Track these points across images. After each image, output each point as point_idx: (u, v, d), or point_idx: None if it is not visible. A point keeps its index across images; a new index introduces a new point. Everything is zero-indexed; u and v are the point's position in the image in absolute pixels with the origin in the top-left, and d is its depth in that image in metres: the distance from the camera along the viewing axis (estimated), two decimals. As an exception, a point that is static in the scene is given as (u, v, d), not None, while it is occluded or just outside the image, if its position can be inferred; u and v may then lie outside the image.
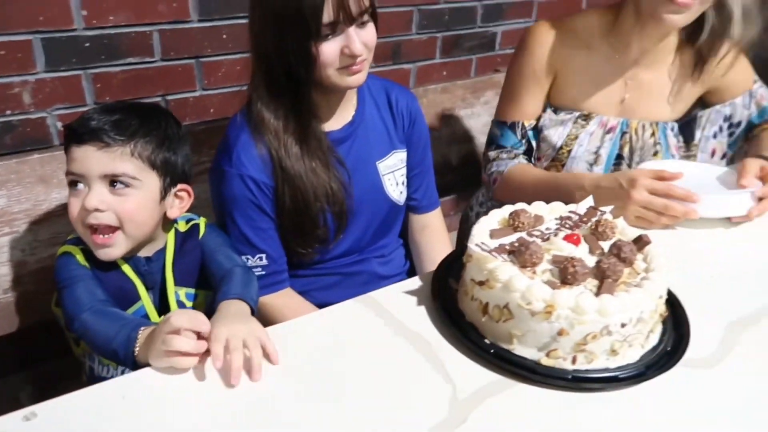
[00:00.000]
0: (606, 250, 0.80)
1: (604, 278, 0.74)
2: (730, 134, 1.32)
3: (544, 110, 1.30)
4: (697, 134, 1.31)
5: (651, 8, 1.10)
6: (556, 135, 1.28)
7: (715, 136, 1.32)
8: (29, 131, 1.40)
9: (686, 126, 1.31)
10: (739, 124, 1.31)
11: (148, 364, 0.75)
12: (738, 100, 1.29)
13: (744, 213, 1.08)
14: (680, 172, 1.06)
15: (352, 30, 0.99)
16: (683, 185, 1.06)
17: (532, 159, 1.33)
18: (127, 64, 1.46)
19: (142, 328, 0.81)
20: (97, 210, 0.90)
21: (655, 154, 1.28)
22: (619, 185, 1.05)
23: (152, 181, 0.95)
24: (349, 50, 0.99)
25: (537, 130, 1.31)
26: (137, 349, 0.79)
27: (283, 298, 1.15)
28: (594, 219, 0.85)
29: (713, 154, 1.33)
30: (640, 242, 0.81)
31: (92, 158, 0.90)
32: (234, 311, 0.85)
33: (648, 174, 1.05)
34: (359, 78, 1.04)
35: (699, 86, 1.28)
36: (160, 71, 1.52)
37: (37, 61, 1.35)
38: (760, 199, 1.08)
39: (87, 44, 1.39)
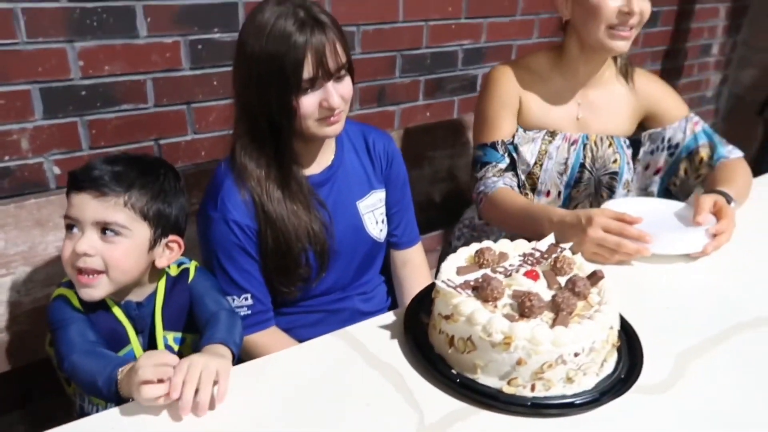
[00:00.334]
0: (563, 284, 0.86)
1: (558, 311, 0.80)
2: (671, 154, 1.47)
3: (516, 130, 1.45)
4: (641, 151, 1.50)
5: (598, 40, 1.31)
6: (528, 152, 1.43)
7: (652, 153, 1.49)
8: (27, 176, 1.46)
9: (633, 143, 1.49)
10: (677, 145, 1.46)
11: (131, 398, 0.79)
12: (675, 125, 1.45)
13: (700, 249, 1.15)
14: (640, 217, 1.13)
15: (330, 85, 1.06)
16: (644, 222, 1.13)
17: (517, 171, 1.44)
18: (122, 111, 1.53)
19: (121, 368, 0.83)
20: (86, 254, 0.94)
21: (615, 161, 1.44)
22: (578, 222, 1.13)
23: (142, 231, 0.99)
24: (327, 103, 1.06)
25: (514, 146, 1.44)
26: (119, 385, 0.83)
27: (269, 336, 1.20)
28: (554, 255, 0.91)
29: (648, 167, 1.51)
30: (594, 277, 0.87)
31: (88, 205, 0.95)
32: (213, 353, 0.88)
33: (606, 214, 1.13)
34: (337, 128, 1.12)
35: (640, 109, 1.47)
36: (154, 117, 1.58)
37: (36, 109, 1.42)
38: (715, 234, 1.15)
39: (83, 92, 1.46)
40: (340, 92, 1.08)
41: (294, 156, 1.14)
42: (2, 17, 1.31)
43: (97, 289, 0.97)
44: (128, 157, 1.04)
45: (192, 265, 1.12)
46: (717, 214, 1.19)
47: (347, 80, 1.11)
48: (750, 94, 3.30)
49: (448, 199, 1.84)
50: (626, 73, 1.46)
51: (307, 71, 1.03)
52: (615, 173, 1.44)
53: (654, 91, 1.47)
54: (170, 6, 1.51)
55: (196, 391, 0.76)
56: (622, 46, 1.32)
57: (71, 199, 0.97)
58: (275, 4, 1.05)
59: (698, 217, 1.17)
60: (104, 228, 0.96)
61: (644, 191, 1.54)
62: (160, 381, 0.77)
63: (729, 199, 1.25)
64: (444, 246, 1.74)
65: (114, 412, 0.77)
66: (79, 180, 0.96)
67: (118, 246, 0.96)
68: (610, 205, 1.26)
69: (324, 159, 1.22)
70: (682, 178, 1.47)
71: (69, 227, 0.97)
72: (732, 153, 1.44)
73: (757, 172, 1.53)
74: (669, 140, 1.46)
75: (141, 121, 1.57)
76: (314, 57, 1.02)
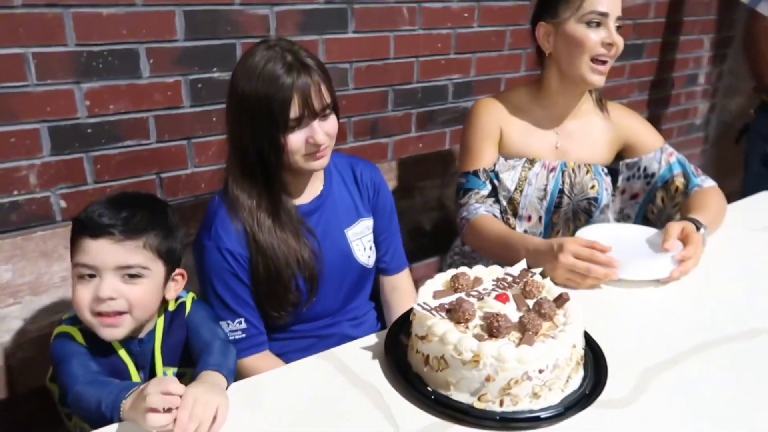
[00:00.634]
0: (530, 307, 0.92)
1: (525, 331, 0.86)
2: (647, 183, 1.55)
3: (497, 159, 1.52)
4: (619, 178, 1.59)
5: (580, 72, 1.40)
6: (509, 179, 1.51)
7: (629, 179, 1.58)
8: (34, 209, 1.53)
9: (612, 171, 1.57)
10: (653, 175, 1.53)
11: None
12: (651, 155, 1.53)
13: (667, 275, 1.21)
14: (609, 246, 1.19)
15: (316, 123, 1.15)
16: (616, 248, 1.20)
17: (499, 198, 1.52)
18: (125, 147, 1.61)
19: (127, 394, 0.87)
20: (110, 299, 0.98)
21: (593, 187, 1.51)
22: (551, 249, 1.19)
23: (159, 269, 1.05)
24: (313, 140, 1.14)
25: (495, 173, 1.51)
26: (122, 411, 0.86)
27: (263, 360, 1.25)
28: (525, 280, 0.97)
29: (624, 192, 1.60)
30: (560, 300, 0.93)
31: (107, 251, 0.97)
32: (210, 381, 0.91)
33: (577, 242, 1.20)
34: (323, 162, 1.19)
35: (617, 140, 1.55)
36: (155, 152, 1.66)
37: (44, 146, 1.50)
38: (682, 260, 1.22)
39: (89, 130, 1.55)
40: (325, 129, 1.16)
41: (283, 187, 1.22)
42: (14, 61, 1.40)
43: (121, 329, 1.01)
44: (131, 198, 1.08)
45: (189, 298, 1.17)
46: (684, 240, 1.25)
47: (332, 118, 1.19)
48: (738, 121, 3.38)
49: (439, 227, 1.91)
50: (601, 106, 1.54)
51: (294, 111, 1.11)
52: (593, 199, 1.52)
53: (630, 123, 1.56)
54: (172, 48, 1.60)
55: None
56: (600, 80, 1.40)
57: (84, 246, 0.98)
58: (265, 49, 1.14)
59: (665, 244, 1.24)
60: (126, 271, 1.00)
61: (621, 214, 1.62)
62: (167, 410, 0.80)
63: (699, 226, 1.31)
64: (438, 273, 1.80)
65: (110, 428, 0.83)
66: (90, 227, 0.98)
67: (140, 286, 1.01)
68: (585, 232, 1.33)
69: (313, 189, 1.30)
70: (660, 207, 1.54)
71: (82, 276, 0.99)
72: (705, 182, 1.52)
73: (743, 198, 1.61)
74: (645, 169, 1.54)
75: (144, 156, 1.65)
76: (300, 98, 1.11)
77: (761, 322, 1.10)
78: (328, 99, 1.14)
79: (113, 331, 1.01)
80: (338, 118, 1.20)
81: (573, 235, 1.38)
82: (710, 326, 1.08)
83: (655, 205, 1.55)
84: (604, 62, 1.38)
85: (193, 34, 1.62)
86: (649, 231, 1.37)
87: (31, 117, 1.46)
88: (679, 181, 1.50)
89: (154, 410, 0.79)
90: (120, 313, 1.00)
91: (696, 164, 3.60)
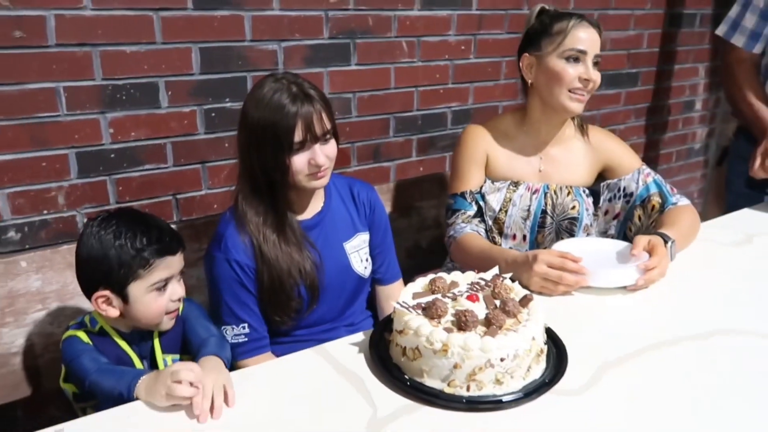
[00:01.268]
0: (497, 305, 1.04)
1: (490, 325, 0.97)
2: (627, 201, 1.65)
3: (484, 182, 1.64)
4: (601, 199, 1.67)
5: (559, 102, 1.52)
6: (494, 200, 1.62)
7: (610, 200, 1.67)
8: (61, 227, 1.68)
9: (594, 192, 1.68)
10: (631, 194, 1.64)
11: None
12: (629, 176, 1.64)
13: (633, 283, 1.32)
14: (580, 257, 1.31)
15: (317, 146, 1.29)
16: (588, 258, 1.31)
17: (484, 218, 1.63)
18: (145, 170, 1.76)
19: (141, 378, 1.01)
20: (180, 299, 1.21)
21: (573, 208, 1.62)
22: (526, 260, 1.31)
23: None
24: (314, 161, 1.28)
25: (481, 195, 1.63)
26: (136, 391, 1.00)
27: (264, 360, 1.38)
28: (496, 283, 1.09)
29: (606, 212, 1.69)
30: (524, 299, 1.05)
31: (176, 263, 1.19)
32: (211, 365, 1.06)
33: (551, 253, 1.32)
34: (323, 182, 1.33)
35: (598, 163, 1.66)
36: (172, 175, 1.81)
37: (72, 170, 1.65)
38: (647, 270, 1.32)
39: (112, 155, 1.70)
40: (325, 152, 1.30)
41: (288, 204, 1.35)
42: (47, 94, 1.57)
43: (176, 314, 1.24)
44: (146, 217, 1.23)
45: None
46: (650, 251, 1.36)
47: (332, 143, 1.33)
48: (728, 144, 3.48)
49: (435, 245, 2.02)
50: (582, 131, 1.66)
51: (298, 135, 1.25)
52: (574, 218, 1.62)
53: (609, 146, 1.67)
54: (188, 81, 1.76)
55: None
56: (579, 107, 1.52)
57: (166, 263, 1.17)
58: (273, 81, 1.29)
59: (633, 250, 1.35)
60: (181, 272, 1.22)
61: (604, 234, 1.71)
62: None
63: (666, 240, 1.41)
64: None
65: (132, 405, 0.96)
66: (168, 250, 1.17)
67: (182, 281, 1.24)
68: (560, 245, 1.44)
69: (314, 206, 1.43)
70: (638, 225, 1.64)
71: (161, 288, 1.18)
72: (680, 200, 1.62)
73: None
74: (624, 189, 1.65)
75: (161, 179, 1.80)
76: (303, 124, 1.25)
77: (716, 325, 1.20)
78: (328, 125, 1.29)
79: (173, 319, 1.23)
80: (338, 143, 1.34)
81: None
82: (666, 328, 1.19)
83: (633, 223, 1.65)
84: (582, 94, 1.51)
85: (208, 68, 1.78)
86: (620, 244, 1.48)
87: (61, 143, 1.62)
88: (656, 200, 1.61)
89: (181, 382, 0.94)
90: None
91: (697, 188, 3.70)
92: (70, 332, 1.20)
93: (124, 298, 1.15)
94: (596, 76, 1.50)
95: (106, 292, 1.16)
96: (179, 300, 1.20)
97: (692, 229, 1.56)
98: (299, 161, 1.28)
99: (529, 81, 1.58)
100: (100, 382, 1.07)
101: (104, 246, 1.14)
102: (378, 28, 2.09)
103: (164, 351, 1.25)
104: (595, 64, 1.51)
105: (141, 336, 1.23)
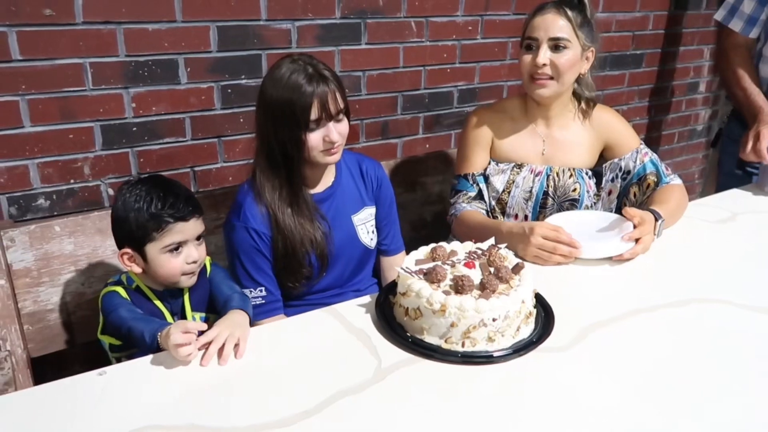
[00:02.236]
0: (492, 272, 1.14)
1: (484, 289, 1.08)
2: (623, 179, 1.73)
3: (489, 163, 1.72)
4: (603, 180, 1.74)
5: (527, 89, 1.61)
6: (498, 181, 1.70)
7: (612, 180, 1.74)
8: (87, 195, 1.79)
9: (597, 173, 1.75)
10: (629, 172, 1.71)
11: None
12: (628, 155, 1.71)
13: (619, 254, 1.41)
14: (570, 235, 1.41)
15: (332, 124, 1.38)
16: (576, 230, 1.42)
17: (485, 199, 1.71)
18: (164, 143, 1.87)
19: (160, 332, 1.12)
20: (196, 261, 1.29)
21: (575, 190, 1.69)
22: (523, 231, 1.41)
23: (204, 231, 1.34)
24: (328, 138, 1.38)
25: (485, 177, 1.71)
26: (159, 341, 1.11)
27: (278, 322, 1.49)
28: (491, 252, 1.19)
29: (609, 193, 1.76)
30: (517, 267, 1.15)
31: (192, 227, 1.27)
32: (234, 318, 1.19)
33: (546, 225, 1.42)
34: (336, 157, 1.43)
35: (599, 142, 1.72)
36: (190, 148, 1.92)
37: (96, 142, 1.76)
38: (633, 241, 1.41)
39: (134, 128, 1.80)
40: (338, 130, 1.39)
41: (302, 178, 1.45)
42: (75, 70, 1.67)
43: (196, 275, 1.32)
44: (169, 183, 1.32)
45: (207, 261, 1.42)
46: (637, 226, 1.44)
47: (344, 121, 1.42)
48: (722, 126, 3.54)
49: (439, 219, 2.12)
50: (584, 114, 1.72)
51: (314, 113, 1.34)
52: (575, 200, 1.70)
53: (610, 126, 1.72)
54: (206, 58, 1.85)
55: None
56: (542, 92, 1.58)
57: (176, 229, 1.25)
58: (290, 62, 1.37)
59: (625, 210, 1.45)
60: (199, 237, 1.30)
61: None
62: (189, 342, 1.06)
63: (657, 216, 1.50)
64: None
65: (160, 355, 1.08)
66: (180, 215, 1.25)
67: (203, 245, 1.33)
68: (553, 218, 1.53)
69: (326, 180, 1.53)
70: (632, 201, 1.73)
71: (174, 249, 1.26)
72: (673, 180, 1.70)
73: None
74: (622, 168, 1.73)
75: (180, 152, 1.90)
76: (319, 103, 1.34)
77: (694, 294, 1.30)
78: (341, 105, 1.38)
79: (193, 279, 1.32)
80: (349, 121, 1.43)
81: None
82: (647, 296, 1.29)
83: (628, 199, 1.73)
84: (541, 78, 1.56)
85: (225, 46, 1.87)
86: (606, 216, 1.57)
87: (87, 117, 1.72)
88: (651, 179, 1.69)
89: (180, 345, 1.04)
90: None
91: (698, 168, 3.76)
92: (110, 288, 1.31)
93: (144, 257, 1.27)
94: (545, 59, 1.53)
95: (129, 250, 1.28)
96: (194, 262, 1.29)
97: (680, 207, 1.65)
98: (314, 138, 1.37)
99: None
100: (134, 327, 1.19)
101: (126, 208, 1.26)
102: (388, 8, 2.16)
103: (193, 309, 1.36)
104: (557, 48, 1.54)
105: (171, 294, 1.34)
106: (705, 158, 3.78)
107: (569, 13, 1.54)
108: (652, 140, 3.37)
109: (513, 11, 2.49)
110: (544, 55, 1.54)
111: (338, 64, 2.12)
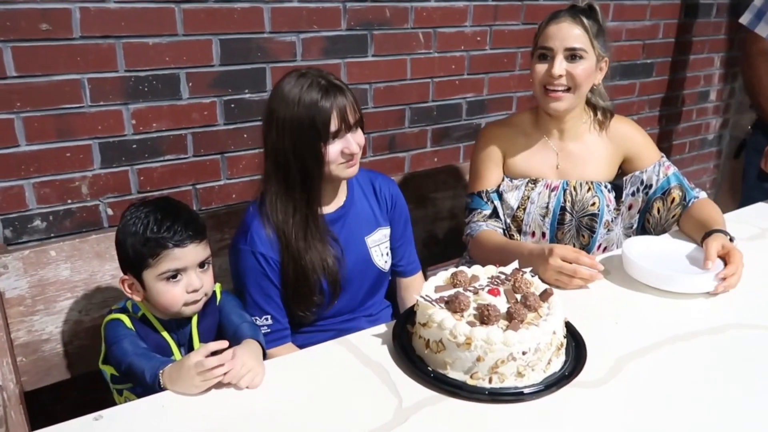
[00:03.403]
0: (518, 299, 1.06)
1: (512, 319, 1.00)
2: (645, 193, 1.65)
3: (502, 180, 1.65)
4: (623, 194, 1.67)
5: (539, 101, 1.55)
6: (512, 198, 1.63)
7: (633, 194, 1.67)
8: (85, 216, 1.72)
9: (616, 187, 1.67)
10: (651, 186, 1.64)
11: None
12: (650, 168, 1.64)
13: (711, 289, 1.32)
14: (594, 258, 1.34)
15: (350, 135, 1.31)
16: (660, 261, 1.36)
17: (500, 216, 1.64)
18: (166, 160, 1.79)
19: (164, 368, 1.05)
20: (198, 289, 1.19)
21: (593, 204, 1.62)
22: (542, 253, 1.33)
23: (209, 255, 1.25)
24: (348, 149, 1.31)
25: (499, 194, 1.64)
26: (162, 381, 1.04)
27: (286, 350, 1.40)
28: (516, 277, 1.12)
29: (630, 207, 1.69)
30: (545, 294, 1.07)
31: (192, 253, 1.18)
32: (252, 349, 1.11)
33: (566, 247, 1.34)
34: (355, 170, 1.36)
35: (617, 154, 1.65)
36: (192, 165, 1.85)
37: (95, 160, 1.69)
38: (725, 278, 1.31)
39: (134, 146, 1.73)
40: (356, 140, 1.33)
41: (319, 198, 1.37)
42: (73, 86, 1.60)
43: (200, 304, 1.23)
44: (171, 206, 1.23)
45: (218, 288, 1.34)
46: (726, 257, 1.35)
47: (360, 131, 1.35)
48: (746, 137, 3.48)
49: (450, 236, 2.04)
50: (601, 125, 1.65)
51: (334, 125, 1.28)
52: (594, 215, 1.62)
53: (630, 138, 1.65)
54: (208, 72, 1.79)
55: None
56: (556, 106, 1.51)
57: (172, 255, 1.16)
58: (298, 77, 1.30)
59: (707, 263, 1.34)
60: (203, 263, 1.21)
61: (630, 229, 1.72)
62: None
63: (732, 238, 1.42)
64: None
65: (163, 395, 1.00)
66: (177, 240, 1.16)
67: (210, 272, 1.24)
68: (632, 243, 1.46)
69: (338, 200, 1.45)
70: (656, 217, 1.65)
71: (172, 277, 1.17)
72: (700, 194, 1.63)
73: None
74: (645, 182, 1.65)
75: (182, 169, 1.83)
76: (338, 114, 1.28)
77: (732, 319, 1.22)
78: (357, 115, 1.33)
79: (195, 308, 1.23)
80: (364, 132, 1.37)
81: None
82: (682, 322, 1.21)
83: (651, 215, 1.65)
84: (556, 90, 1.49)
85: (228, 60, 1.81)
86: (691, 247, 1.49)
87: (84, 134, 1.65)
88: (676, 193, 1.62)
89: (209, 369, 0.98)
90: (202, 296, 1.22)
91: (710, 178, 3.70)
92: (114, 315, 1.23)
93: (142, 284, 1.19)
94: (561, 70, 1.47)
95: (128, 277, 1.21)
96: (196, 291, 1.20)
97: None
98: (334, 150, 1.30)
99: (531, 82, 1.59)
100: (135, 364, 1.11)
101: (125, 232, 1.19)
102: (395, 19, 2.10)
103: (201, 339, 1.28)
104: (573, 57, 1.48)
105: (178, 323, 1.26)
106: (716, 168, 3.71)
107: (585, 21, 1.48)
108: (663, 150, 3.23)
109: (522, 21, 2.43)
110: (560, 65, 1.47)
111: (344, 76, 2.05)
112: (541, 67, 1.50)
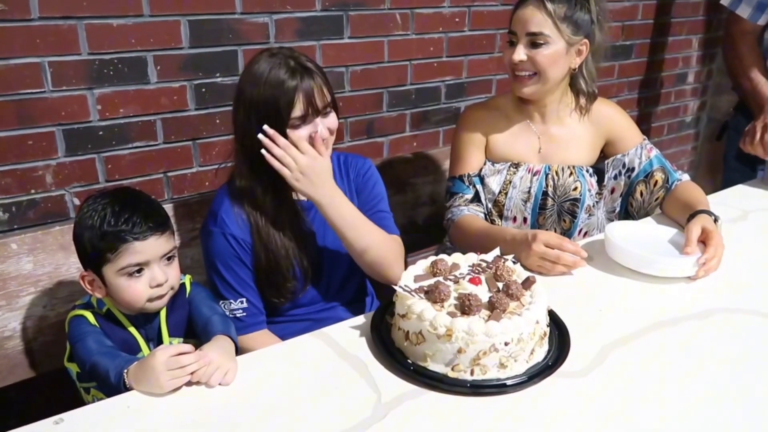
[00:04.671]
0: (500, 288, 1.03)
1: (493, 309, 0.97)
2: (628, 177, 1.63)
3: (484, 164, 1.62)
4: (605, 177, 1.64)
5: (511, 84, 1.51)
6: (494, 182, 1.60)
7: (615, 177, 1.65)
8: (50, 207, 1.65)
9: (598, 170, 1.65)
10: (633, 169, 1.62)
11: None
12: (632, 151, 1.62)
13: (692, 274, 1.30)
14: (578, 245, 1.31)
15: (319, 119, 1.26)
16: (642, 245, 1.34)
17: (482, 201, 1.60)
18: (135, 148, 1.73)
19: (129, 367, 1.00)
20: (162, 284, 1.12)
21: (575, 189, 1.60)
22: (525, 238, 1.30)
23: (176, 248, 1.19)
24: (317, 134, 1.26)
25: (480, 178, 1.61)
26: (127, 380, 0.99)
27: (262, 337, 1.35)
28: (497, 265, 1.08)
29: (612, 191, 1.67)
30: (527, 282, 1.04)
31: (155, 246, 1.11)
32: (222, 346, 1.06)
33: (549, 233, 1.31)
34: (327, 153, 1.30)
35: (599, 137, 1.63)
36: (163, 152, 1.78)
37: (59, 148, 1.61)
38: (704, 262, 1.29)
39: (101, 132, 1.66)
40: (327, 125, 1.28)
41: (287, 182, 1.32)
42: (32, 70, 1.52)
43: (165, 299, 1.16)
44: (129, 196, 1.17)
45: (187, 279, 1.28)
46: (705, 241, 1.33)
47: (332, 115, 1.30)
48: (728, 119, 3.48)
49: (431, 222, 2.01)
50: (583, 108, 1.61)
51: (299, 109, 1.23)
52: (576, 200, 1.60)
53: (612, 120, 1.62)
54: (177, 55, 1.71)
55: None
56: (525, 91, 1.50)
57: (132, 249, 1.09)
58: (269, 56, 1.25)
59: (687, 248, 1.32)
60: (168, 256, 1.15)
61: (612, 213, 1.70)
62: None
63: (716, 218, 1.39)
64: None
65: (129, 395, 0.95)
66: (136, 233, 1.09)
67: (175, 264, 1.17)
68: (615, 227, 1.43)
69: None
70: (639, 200, 1.63)
71: (133, 273, 1.11)
72: (683, 176, 1.61)
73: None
74: (627, 165, 1.63)
75: (151, 157, 1.76)
76: (305, 98, 1.22)
77: (715, 303, 1.20)
78: (328, 98, 1.27)
79: (160, 303, 1.16)
80: (338, 116, 1.31)
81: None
82: (665, 308, 1.19)
83: (634, 198, 1.63)
84: (522, 76, 1.47)
85: (198, 42, 1.74)
86: (671, 231, 1.47)
87: (47, 121, 1.58)
88: (659, 176, 1.59)
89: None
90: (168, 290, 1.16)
91: (687, 160, 3.70)
92: (78, 311, 1.17)
93: (103, 280, 1.13)
94: (522, 56, 1.44)
95: (88, 273, 1.14)
96: (161, 286, 1.13)
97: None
98: (301, 135, 1.25)
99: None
100: (99, 363, 1.06)
101: (82, 226, 1.12)
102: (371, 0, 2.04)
103: (170, 334, 1.23)
104: (535, 43, 1.43)
105: (146, 318, 1.20)
106: (694, 150, 3.72)
107: (549, 6, 1.42)
108: (642, 132, 3.29)
109: (501, 2, 2.38)
110: (520, 51, 1.45)
111: (320, 59, 1.99)
112: (508, 53, 1.49)
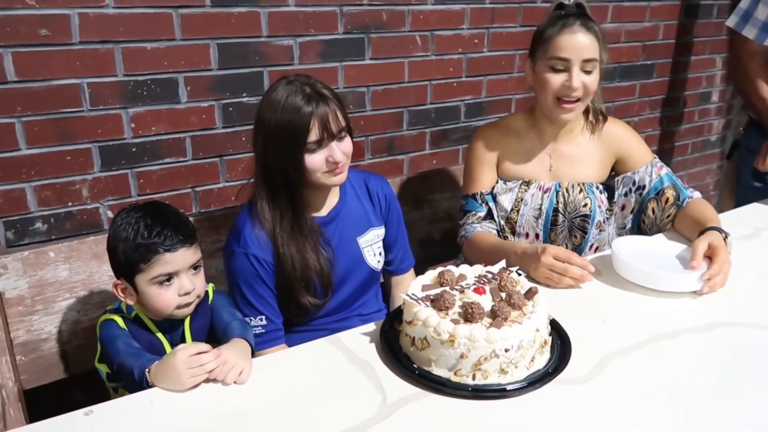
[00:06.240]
0: (503, 297, 1.08)
1: (495, 317, 1.01)
2: (639, 194, 1.65)
3: (496, 182, 1.66)
4: (616, 194, 1.67)
5: (548, 109, 1.53)
6: (506, 200, 1.64)
7: (625, 195, 1.67)
8: (85, 219, 1.74)
9: (608, 187, 1.68)
10: (644, 187, 1.64)
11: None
12: (642, 169, 1.64)
13: (697, 289, 1.31)
14: (586, 260, 1.35)
15: (334, 144, 1.33)
16: (649, 260, 1.37)
17: (495, 218, 1.65)
18: (165, 164, 1.82)
19: (149, 367, 1.07)
20: (190, 292, 1.21)
21: (585, 205, 1.63)
22: (535, 252, 1.35)
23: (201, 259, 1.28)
24: (332, 158, 1.32)
25: (493, 196, 1.65)
26: (150, 378, 1.06)
27: (278, 353, 1.42)
28: (502, 276, 1.13)
29: (623, 208, 1.69)
30: (530, 292, 1.08)
31: (184, 257, 1.20)
32: (239, 347, 1.14)
33: (558, 248, 1.35)
34: (341, 177, 1.37)
35: (609, 155, 1.66)
36: (191, 168, 1.87)
37: (95, 164, 1.72)
38: (709, 278, 1.31)
39: (134, 149, 1.76)
40: (342, 149, 1.34)
41: (305, 202, 1.39)
42: (71, 90, 1.63)
43: (192, 306, 1.25)
44: (160, 210, 1.25)
45: (210, 288, 1.36)
46: (711, 256, 1.35)
47: (347, 139, 1.37)
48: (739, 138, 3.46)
49: (448, 237, 2.05)
50: (594, 128, 1.64)
51: (314, 134, 1.29)
52: (586, 216, 1.63)
53: (621, 138, 1.65)
54: (206, 77, 1.81)
55: None
56: (567, 116, 1.52)
57: (164, 260, 1.18)
58: (286, 84, 1.32)
59: (692, 263, 1.33)
60: (195, 266, 1.23)
61: (623, 229, 1.73)
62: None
63: (726, 234, 1.42)
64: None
65: (152, 390, 1.02)
66: (168, 245, 1.18)
67: (201, 273, 1.26)
68: (622, 242, 1.47)
69: (330, 203, 1.47)
70: (651, 217, 1.65)
71: (164, 282, 1.19)
72: (694, 193, 1.63)
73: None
74: (637, 183, 1.65)
75: (180, 172, 1.86)
76: (320, 123, 1.29)
77: (722, 317, 1.23)
78: (343, 123, 1.33)
79: (187, 311, 1.25)
80: (352, 139, 1.38)
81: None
82: (669, 320, 1.22)
83: (646, 215, 1.65)
84: (570, 102, 1.49)
85: (226, 64, 1.83)
86: (679, 246, 1.49)
87: (84, 138, 1.68)
88: (670, 193, 1.62)
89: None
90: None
91: (713, 180, 3.68)
92: (108, 316, 1.26)
93: (135, 288, 1.21)
94: (579, 83, 1.46)
95: (121, 281, 1.23)
96: (188, 294, 1.21)
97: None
98: (317, 159, 1.32)
99: (528, 84, 1.59)
100: (125, 363, 1.14)
101: (116, 238, 1.21)
102: (392, 22, 2.12)
103: (193, 338, 1.30)
104: (587, 72, 1.47)
105: (172, 324, 1.28)
106: (719, 169, 3.69)
107: (596, 28, 1.47)
108: (664, 151, 3.30)
109: (520, 23, 2.44)
110: (578, 78, 1.46)
111: (342, 80, 2.07)
112: (556, 79, 1.48)
